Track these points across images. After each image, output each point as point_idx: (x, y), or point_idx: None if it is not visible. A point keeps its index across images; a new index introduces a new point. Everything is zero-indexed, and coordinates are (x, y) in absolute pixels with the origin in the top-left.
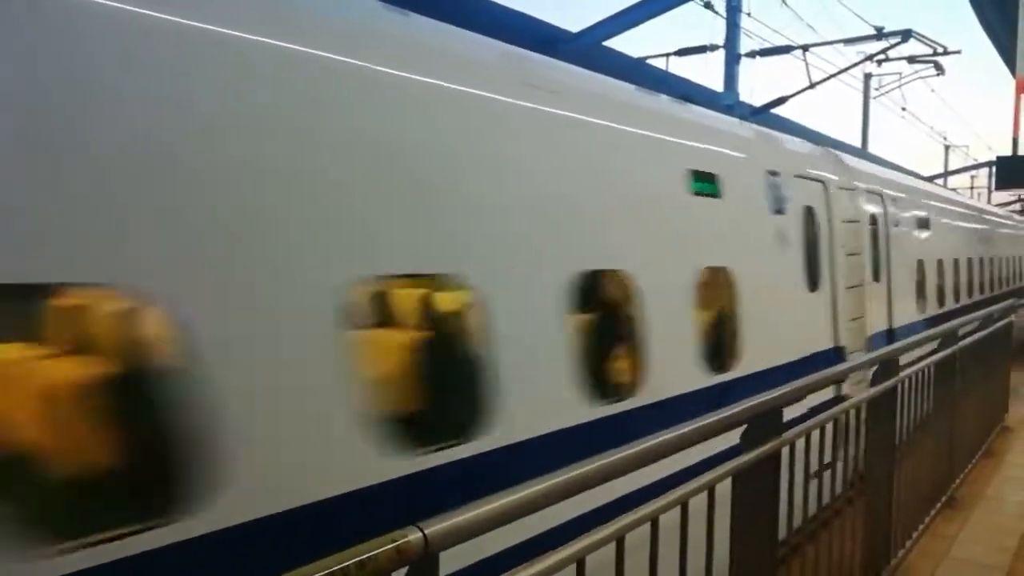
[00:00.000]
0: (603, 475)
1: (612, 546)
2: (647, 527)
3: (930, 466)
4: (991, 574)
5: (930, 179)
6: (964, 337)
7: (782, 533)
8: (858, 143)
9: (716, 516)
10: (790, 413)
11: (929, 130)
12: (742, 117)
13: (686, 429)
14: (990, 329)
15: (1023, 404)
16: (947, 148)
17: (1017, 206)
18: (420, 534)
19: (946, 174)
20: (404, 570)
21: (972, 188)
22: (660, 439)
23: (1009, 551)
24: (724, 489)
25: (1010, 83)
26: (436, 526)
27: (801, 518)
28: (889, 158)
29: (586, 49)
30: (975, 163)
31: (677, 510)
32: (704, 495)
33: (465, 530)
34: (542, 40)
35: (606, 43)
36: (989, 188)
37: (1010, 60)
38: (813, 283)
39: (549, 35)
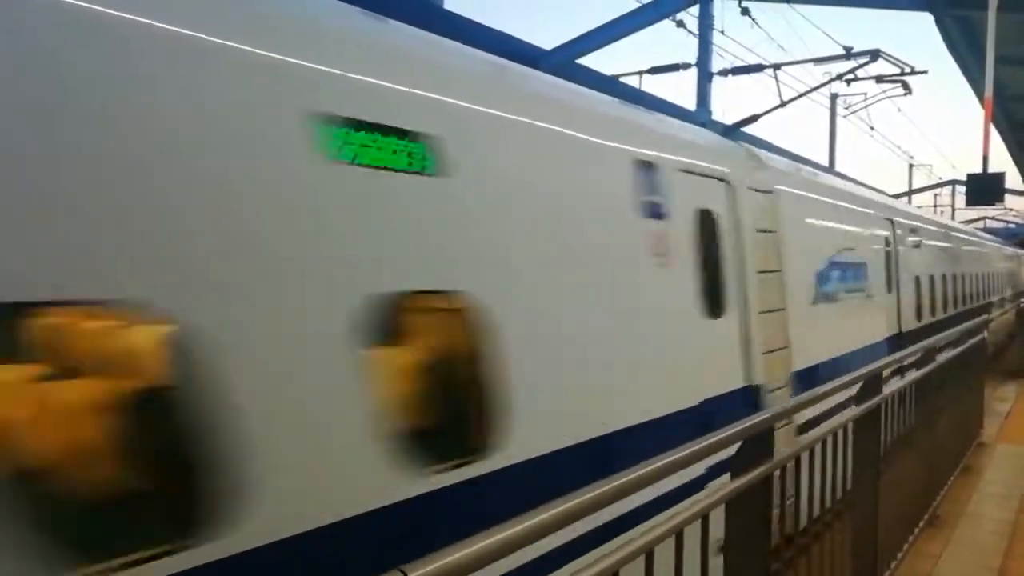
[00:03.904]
0: (593, 505)
1: None
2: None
3: (913, 483)
4: None
5: (896, 197)
6: (942, 352)
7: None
8: (827, 161)
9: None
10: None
11: (896, 148)
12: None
13: (674, 457)
14: (966, 345)
15: (996, 419)
16: (911, 167)
17: (980, 223)
18: None
19: (911, 192)
20: None
21: (936, 206)
22: (652, 466)
23: (993, 570)
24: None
25: (974, 102)
26: (421, 570)
27: (792, 529)
28: (856, 176)
29: (561, 66)
30: (940, 181)
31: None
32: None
33: (452, 572)
34: (523, 57)
35: (579, 61)
36: (952, 206)
37: (975, 82)
38: (714, 307)
39: (529, 53)
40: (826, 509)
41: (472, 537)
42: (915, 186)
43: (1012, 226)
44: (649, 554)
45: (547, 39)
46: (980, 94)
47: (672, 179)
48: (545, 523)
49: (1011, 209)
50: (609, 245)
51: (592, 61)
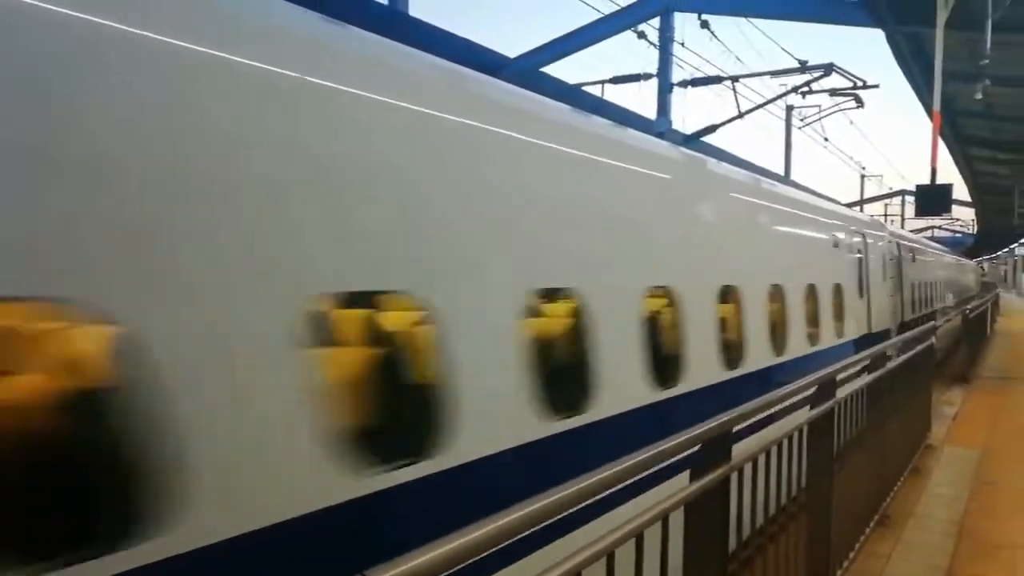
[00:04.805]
0: (553, 510)
1: None
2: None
3: (864, 485)
4: None
5: (848, 206)
6: (893, 358)
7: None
8: (782, 171)
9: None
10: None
11: (848, 159)
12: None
13: (636, 459)
14: (914, 351)
15: (943, 423)
16: (863, 177)
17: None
18: None
19: (862, 201)
20: None
21: (886, 215)
22: (610, 471)
23: (941, 570)
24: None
25: (924, 116)
26: (383, 575)
27: (749, 531)
28: (811, 185)
29: (525, 75)
30: (890, 191)
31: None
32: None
33: None
34: (486, 65)
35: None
36: (903, 216)
37: (924, 97)
38: None
39: (492, 61)
40: (782, 510)
41: (434, 542)
42: (867, 196)
43: (959, 235)
44: (610, 556)
45: (514, 48)
46: (929, 108)
47: None
48: (507, 527)
49: (958, 219)
50: None
51: (555, 70)
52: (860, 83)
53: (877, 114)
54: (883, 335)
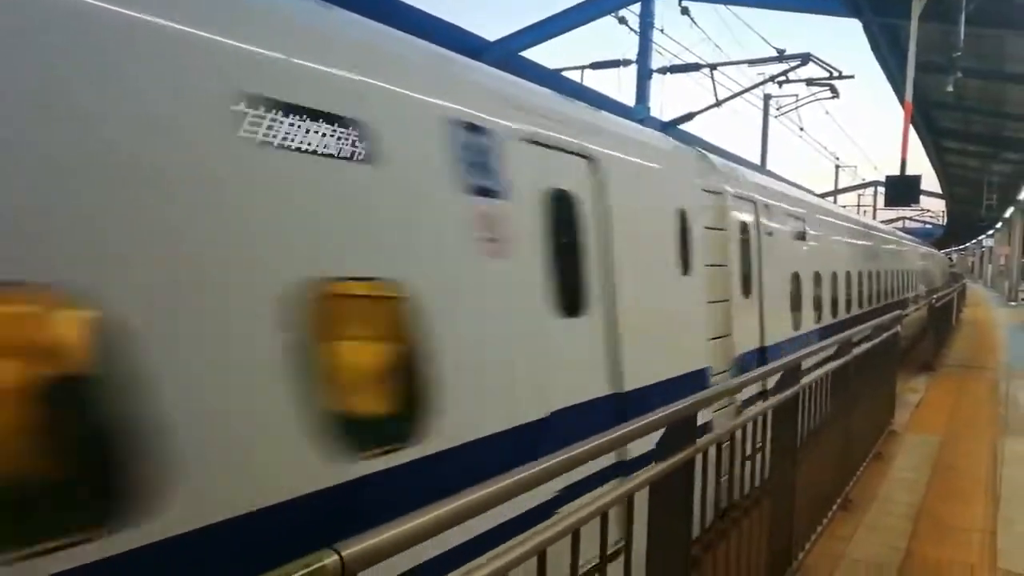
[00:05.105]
0: (523, 486)
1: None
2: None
3: (828, 470)
4: (884, 573)
5: (822, 196)
6: (858, 345)
7: (695, 531)
8: (759, 160)
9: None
10: None
11: (823, 149)
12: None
13: (606, 438)
14: (880, 338)
15: (907, 410)
16: (837, 167)
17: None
18: (336, 557)
19: (836, 192)
20: None
21: (859, 206)
22: (581, 448)
23: (900, 550)
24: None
25: (897, 107)
26: (354, 548)
27: (712, 516)
28: (785, 174)
29: (504, 58)
30: (863, 182)
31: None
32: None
33: (385, 550)
34: (466, 48)
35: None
36: (875, 206)
37: (899, 88)
38: None
39: (473, 44)
40: (745, 495)
41: (403, 517)
42: (841, 186)
43: (928, 226)
44: (575, 533)
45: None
46: (903, 99)
47: None
48: (475, 503)
49: (928, 210)
50: None
51: (536, 54)
52: (836, 73)
53: (853, 104)
54: (674, 387)
